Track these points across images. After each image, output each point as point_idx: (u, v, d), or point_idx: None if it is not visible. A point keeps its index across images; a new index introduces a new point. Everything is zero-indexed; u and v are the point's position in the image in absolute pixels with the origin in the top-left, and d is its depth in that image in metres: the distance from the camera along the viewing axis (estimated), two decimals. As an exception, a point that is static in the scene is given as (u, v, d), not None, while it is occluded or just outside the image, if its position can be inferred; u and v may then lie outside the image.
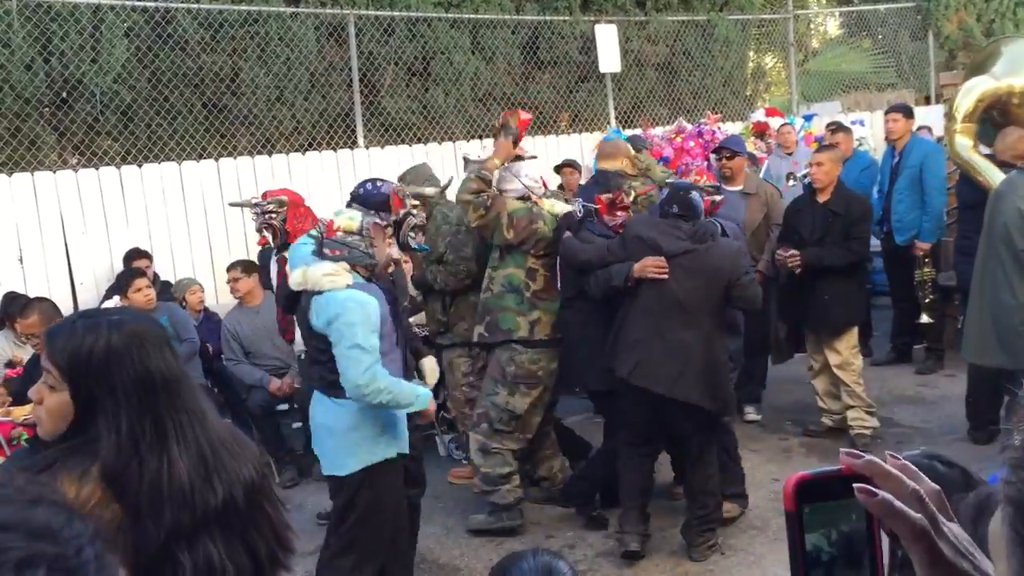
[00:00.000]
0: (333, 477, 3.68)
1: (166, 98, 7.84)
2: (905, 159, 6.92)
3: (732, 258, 4.41)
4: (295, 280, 3.67)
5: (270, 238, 5.01)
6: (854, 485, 0.75)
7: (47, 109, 7.65)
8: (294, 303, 3.86)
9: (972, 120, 6.17)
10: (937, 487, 0.77)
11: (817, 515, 0.77)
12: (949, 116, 6.36)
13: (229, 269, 6.24)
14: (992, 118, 6.29)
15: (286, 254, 4.81)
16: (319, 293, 3.56)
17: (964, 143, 6.16)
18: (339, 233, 3.63)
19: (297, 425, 6.39)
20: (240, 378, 6.01)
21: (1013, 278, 4.52)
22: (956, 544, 0.73)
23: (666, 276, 4.32)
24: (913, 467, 0.78)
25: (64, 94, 7.54)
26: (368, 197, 4.00)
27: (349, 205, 4.04)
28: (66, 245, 6.91)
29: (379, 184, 4.10)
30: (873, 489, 0.74)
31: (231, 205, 6.07)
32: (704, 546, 4.48)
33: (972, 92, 6.21)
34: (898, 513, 0.73)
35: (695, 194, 4.59)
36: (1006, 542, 0.55)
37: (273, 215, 4.95)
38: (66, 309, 5.88)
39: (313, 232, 3.83)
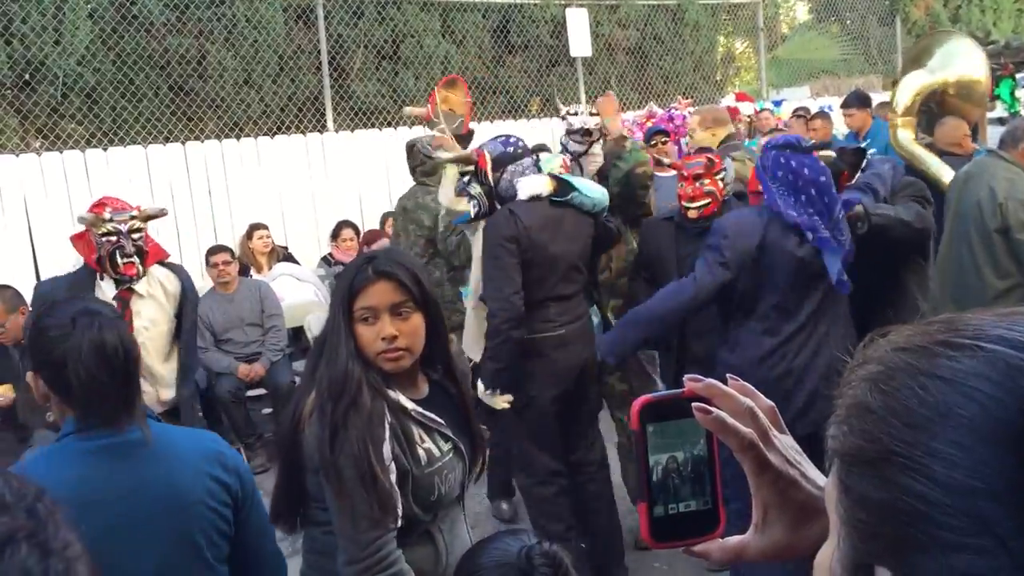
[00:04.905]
0: None
1: (131, 81, 7.72)
2: (869, 145, 7.03)
3: None
4: None
5: (139, 265, 3.94)
6: (692, 404, 0.80)
7: (9, 92, 7.51)
8: None
9: (912, 113, 6.40)
10: (771, 403, 0.84)
11: (662, 435, 0.82)
12: (891, 110, 6.60)
13: (215, 252, 6.08)
14: (930, 110, 6.50)
15: (138, 287, 3.97)
16: None
17: (906, 135, 6.36)
18: None
19: (267, 411, 6.36)
20: (208, 366, 5.93)
21: (980, 260, 4.54)
22: (784, 453, 0.81)
23: None
24: (750, 387, 0.84)
25: (27, 76, 7.41)
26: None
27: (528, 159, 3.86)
28: (30, 230, 6.80)
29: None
30: (709, 407, 0.80)
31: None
32: None
33: (909, 87, 6.44)
34: (729, 428, 0.79)
35: None
36: (834, 493, 0.60)
37: (141, 234, 3.95)
38: (30, 295, 5.78)
39: None
